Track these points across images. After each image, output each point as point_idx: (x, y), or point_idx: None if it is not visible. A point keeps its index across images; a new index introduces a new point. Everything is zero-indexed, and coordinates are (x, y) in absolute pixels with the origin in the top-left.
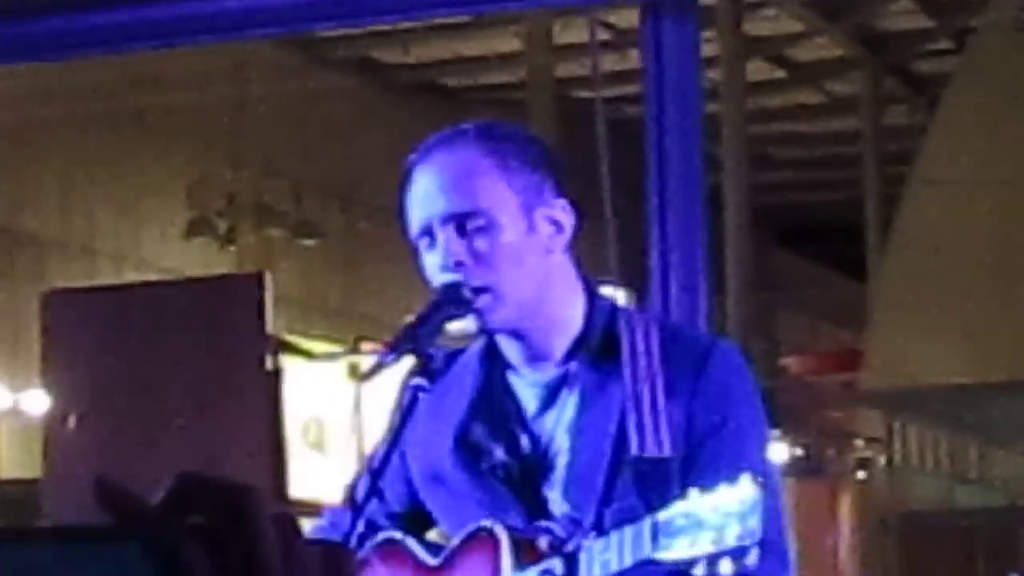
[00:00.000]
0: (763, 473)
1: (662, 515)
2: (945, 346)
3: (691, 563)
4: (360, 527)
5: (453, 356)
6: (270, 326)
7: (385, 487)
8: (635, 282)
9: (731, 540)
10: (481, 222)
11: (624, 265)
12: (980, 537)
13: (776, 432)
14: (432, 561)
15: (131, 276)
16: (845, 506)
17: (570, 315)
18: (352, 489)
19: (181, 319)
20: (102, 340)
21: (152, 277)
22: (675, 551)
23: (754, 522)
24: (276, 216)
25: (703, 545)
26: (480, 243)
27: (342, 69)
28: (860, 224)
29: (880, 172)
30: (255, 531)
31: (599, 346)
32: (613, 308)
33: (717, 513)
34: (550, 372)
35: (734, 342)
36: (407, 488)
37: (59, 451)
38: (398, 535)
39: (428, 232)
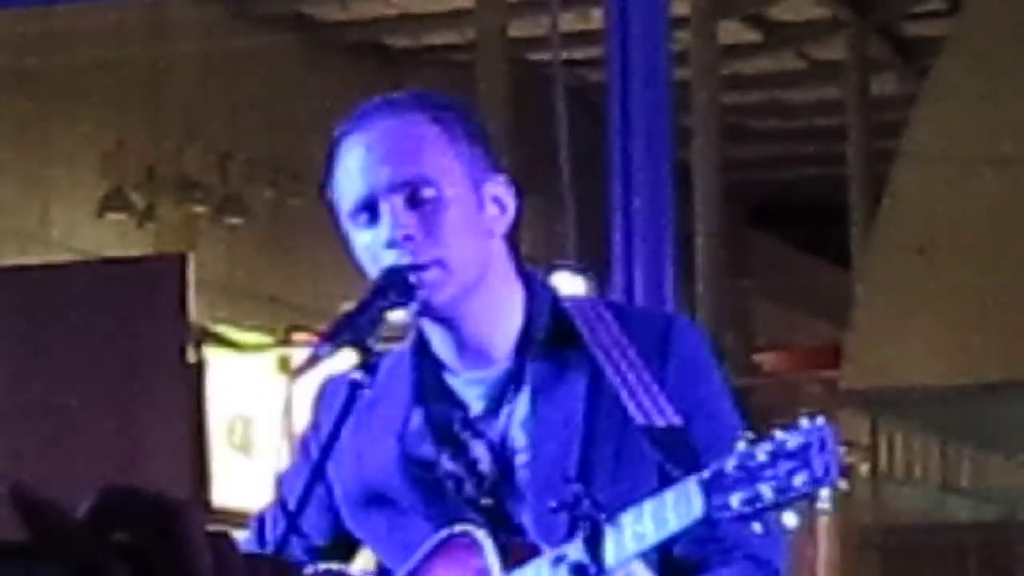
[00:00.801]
0: None
1: (710, 471)
2: (935, 342)
3: (749, 517)
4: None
5: (378, 361)
6: (192, 313)
7: (302, 521)
8: (595, 268)
9: (800, 484)
10: (431, 192)
11: (583, 248)
12: (972, 555)
13: (750, 434)
14: None
15: (38, 257)
16: (824, 519)
17: (508, 305)
18: (259, 527)
19: (93, 305)
20: (6, 328)
21: (61, 258)
22: (732, 507)
23: (822, 460)
24: (199, 191)
25: (766, 494)
26: (431, 215)
27: (273, 27)
28: (844, 204)
29: (866, 146)
30: (187, 550)
31: (548, 339)
32: (555, 297)
33: (779, 459)
34: (492, 370)
35: (690, 318)
36: (329, 516)
37: None
38: (328, 568)
39: (368, 206)
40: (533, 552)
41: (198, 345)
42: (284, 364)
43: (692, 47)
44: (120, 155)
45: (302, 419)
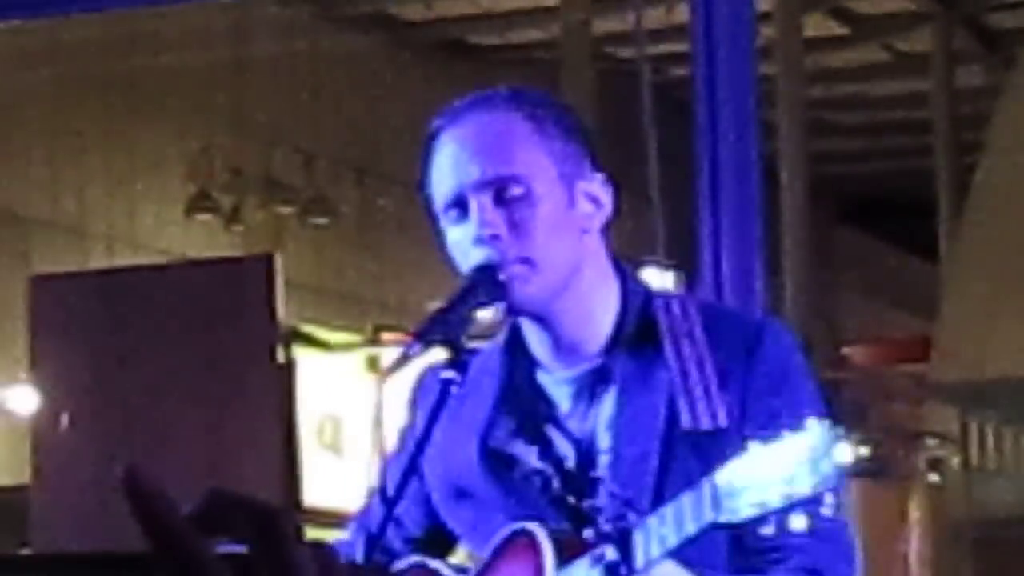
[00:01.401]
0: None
1: (721, 475)
2: None
3: (759, 522)
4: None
5: (469, 359)
6: (281, 314)
7: (400, 511)
8: (683, 264)
9: (804, 488)
10: (520, 190)
11: (671, 245)
12: None
13: (839, 429)
14: None
15: (125, 259)
16: (915, 512)
17: (602, 303)
18: (363, 513)
19: (182, 307)
20: (95, 330)
21: (149, 260)
22: (740, 511)
23: (827, 466)
24: (285, 191)
25: (771, 499)
26: (518, 213)
27: (356, 27)
28: (931, 197)
29: (952, 138)
30: (290, 557)
31: (636, 336)
32: (648, 293)
33: (784, 463)
34: (583, 367)
35: (788, 325)
36: (425, 508)
37: (49, 454)
38: (423, 560)
39: (458, 203)
40: (580, 547)
41: (287, 345)
42: (373, 363)
43: (777, 41)
44: (206, 157)
45: (394, 417)
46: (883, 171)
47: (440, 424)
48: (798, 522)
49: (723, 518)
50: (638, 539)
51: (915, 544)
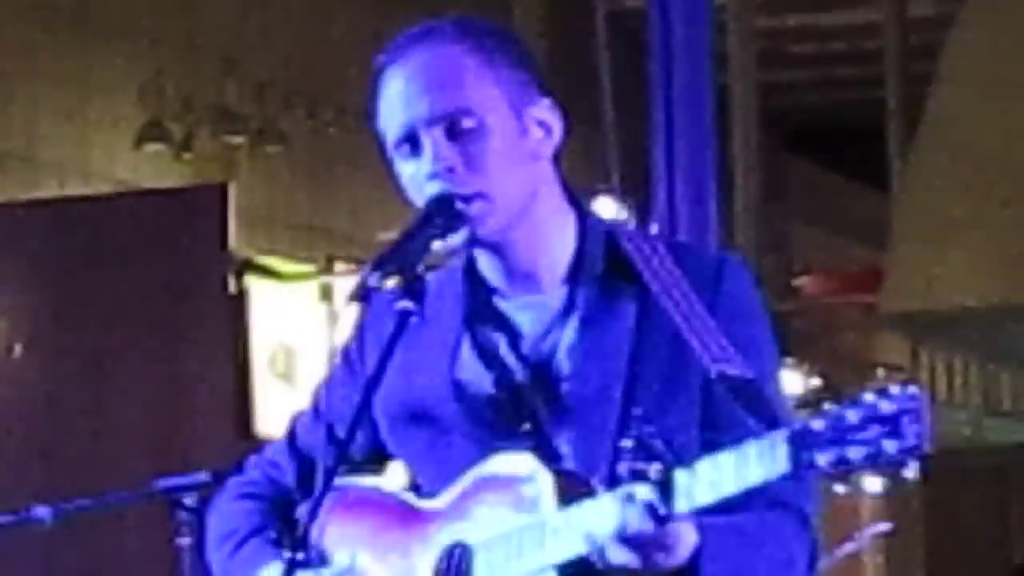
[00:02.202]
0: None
1: (796, 428)
2: (976, 264)
3: (834, 477)
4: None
5: (424, 288)
6: (233, 243)
7: (334, 422)
8: (636, 193)
9: (891, 449)
10: (471, 123)
11: (624, 174)
12: (1013, 476)
13: (790, 360)
14: (428, 505)
15: (76, 188)
16: None
17: (558, 231)
18: (291, 431)
19: (134, 236)
20: (47, 260)
21: (100, 189)
22: (818, 465)
23: (915, 430)
24: (237, 121)
25: (854, 457)
26: (471, 146)
27: None
28: (882, 128)
29: (903, 69)
30: None
31: (600, 267)
32: (609, 228)
33: (871, 423)
34: (544, 296)
35: (741, 256)
36: (370, 431)
37: (1, 384)
38: (369, 481)
39: (410, 138)
40: (583, 484)
41: (239, 275)
42: (325, 293)
43: None
44: (157, 86)
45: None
46: (834, 102)
47: (397, 349)
48: (874, 484)
49: (801, 471)
50: (680, 481)
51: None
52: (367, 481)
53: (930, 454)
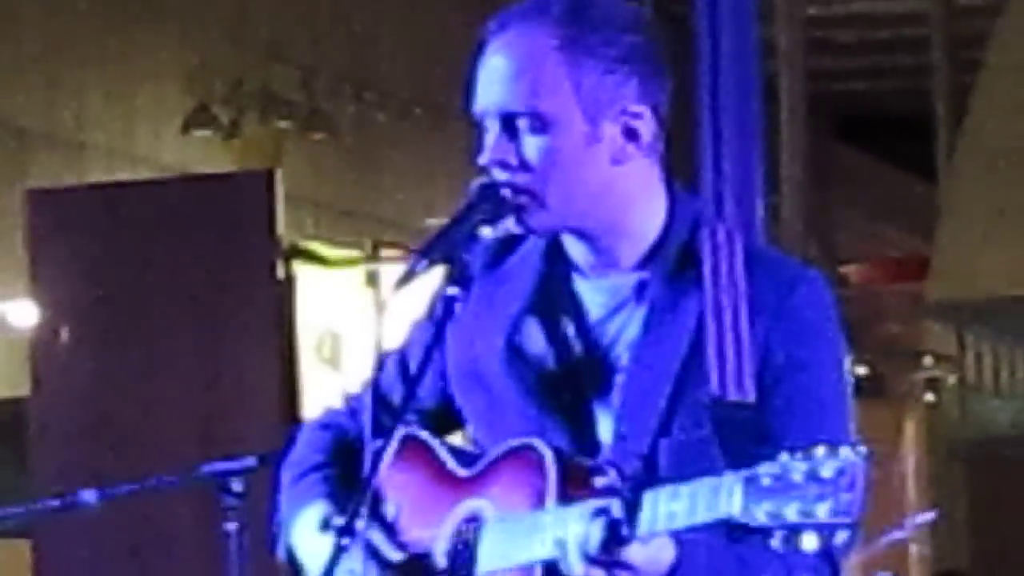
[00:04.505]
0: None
1: (746, 474)
2: (1023, 252)
3: (769, 531)
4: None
5: (511, 244)
6: (280, 229)
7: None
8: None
9: (822, 515)
10: (534, 124)
11: (669, 161)
12: None
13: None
14: (461, 472)
15: (124, 173)
16: (911, 431)
17: (644, 222)
18: (377, 368)
19: (182, 221)
20: (94, 245)
21: (147, 174)
22: (757, 516)
23: (849, 498)
24: (284, 106)
25: (789, 514)
26: (528, 147)
27: None
28: (930, 116)
29: (951, 57)
30: None
31: (676, 259)
32: (696, 219)
33: (810, 482)
34: (619, 279)
35: (784, 244)
36: (440, 382)
37: (48, 369)
38: (423, 435)
39: (484, 118)
40: (591, 486)
41: (286, 261)
42: (372, 279)
43: None
44: (205, 71)
45: (396, 334)
46: (882, 89)
47: (469, 305)
48: (809, 542)
49: (739, 519)
50: (647, 504)
51: (911, 463)
52: (422, 434)
53: (976, 444)
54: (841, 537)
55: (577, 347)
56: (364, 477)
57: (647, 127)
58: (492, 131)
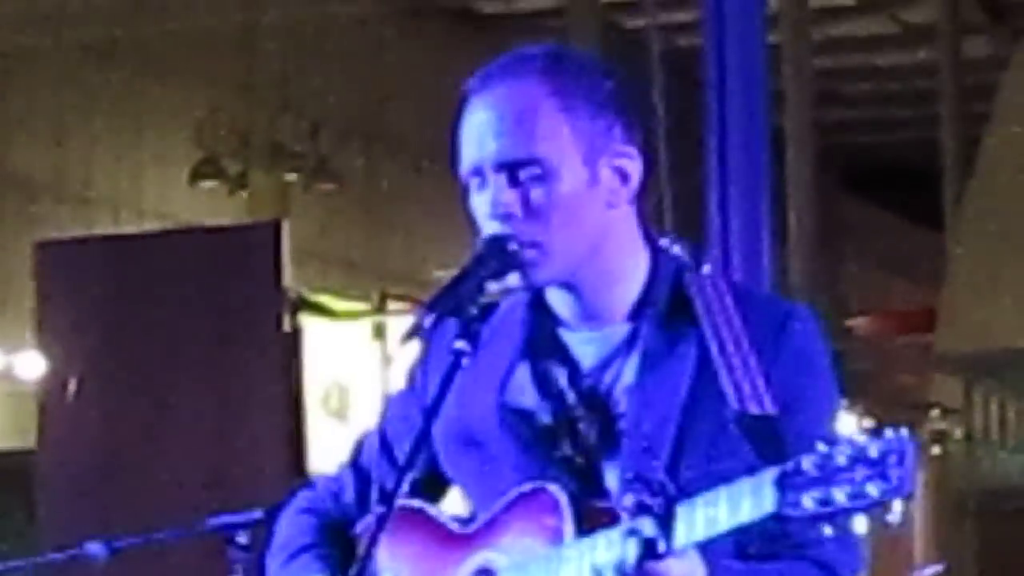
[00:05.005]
0: None
1: (788, 466)
2: None
3: (820, 519)
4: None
5: (492, 306)
6: (287, 281)
7: (399, 450)
8: (691, 236)
9: (874, 493)
10: (537, 171)
11: (677, 216)
12: None
13: (843, 401)
14: (464, 530)
15: (131, 225)
16: (919, 483)
17: (630, 270)
18: (357, 448)
19: (188, 273)
20: (101, 297)
21: (155, 226)
22: (805, 505)
23: (899, 473)
24: (292, 158)
25: (838, 498)
26: (534, 194)
27: None
28: (937, 168)
29: (959, 110)
30: None
31: (665, 306)
32: (679, 266)
33: (857, 464)
34: (608, 329)
35: (803, 302)
36: (428, 451)
37: (56, 420)
38: (417, 503)
39: (479, 173)
40: (611, 518)
41: (293, 313)
42: (379, 331)
43: (784, 10)
44: (213, 123)
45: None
46: (889, 142)
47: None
48: (860, 524)
49: (786, 511)
50: (681, 516)
51: (918, 515)
52: (415, 503)
53: (983, 496)
54: (895, 512)
55: (571, 399)
56: (367, 543)
57: (635, 168)
58: (492, 183)
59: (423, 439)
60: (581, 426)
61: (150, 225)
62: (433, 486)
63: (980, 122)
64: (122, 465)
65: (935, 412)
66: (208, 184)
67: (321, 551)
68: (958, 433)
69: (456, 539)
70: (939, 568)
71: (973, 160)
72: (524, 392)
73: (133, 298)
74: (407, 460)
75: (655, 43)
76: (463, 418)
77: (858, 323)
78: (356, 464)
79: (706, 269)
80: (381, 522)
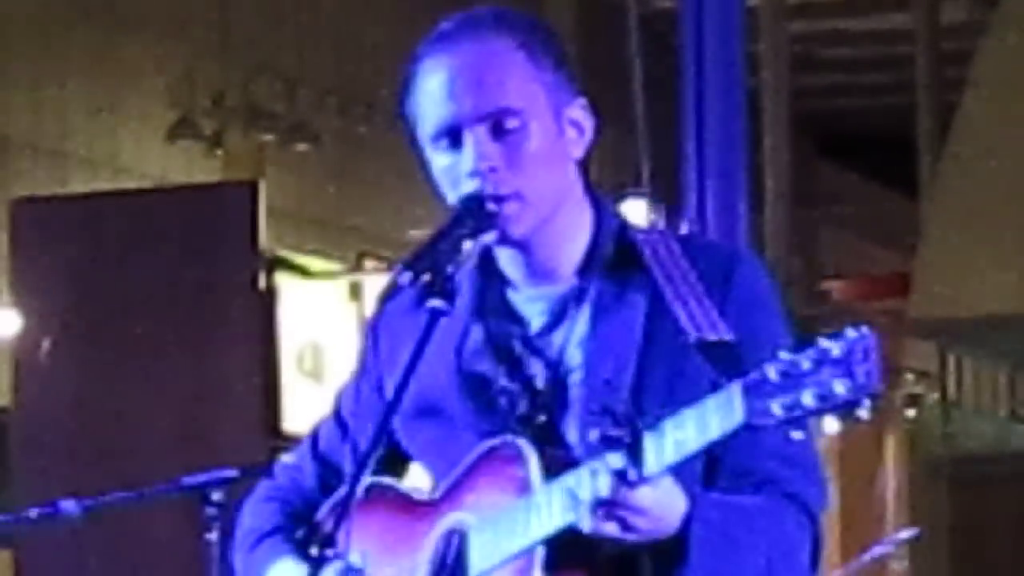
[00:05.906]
0: None
1: (752, 376)
2: (1006, 271)
3: (790, 423)
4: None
5: (455, 287)
6: (263, 241)
7: (355, 431)
8: (666, 195)
9: (842, 391)
10: (516, 123)
11: (655, 176)
12: None
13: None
14: (428, 498)
15: (107, 183)
16: (892, 448)
17: (579, 227)
18: (314, 436)
19: (164, 231)
20: (76, 254)
21: (131, 184)
22: (774, 412)
23: (866, 368)
24: (267, 118)
25: (807, 400)
26: (514, 146)
27: None
28: (913, 133)
29: (935, 75)
30: None
31: (613, 259)
32: (623, 222)
33: (822, 366)
34: (555, 287)
35: (766, 259)
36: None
37: (31, 379)
38: (384, 480)
39: (450, 132)
40: (572, 461)
41: (269, 272)
42: (355, 291)
43: None
44: (188, 83)
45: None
46: (865, 107)
47: (407, 343)
48: (831, 425)
49: (756, 420)
50: (649, 443)
51: (891, 480)
52: (376, 480)
53: (957, 461)
54: (864, 410)
55: (528, 358)
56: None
57: (588, 121)
58: (470, 139)
59: (397, 400)
60: (537, 385)
61: (126, 184)
62: (393, 464)
63: (957, 88)
64: (97, 423)
65: (909, 376)
66: (184, 143)
67: (288, 535)
68: (932, 398)
69: (421, 507)
70: (912, 532)
71: (949, 126)
72: (480, 356)
73: (109, 256)
74: (371, 442)
75: (633, 5)
76: (420, 388)
77: (832, 287)
78: (316, 451)
79: (683, 228)
80: (345, 506)
